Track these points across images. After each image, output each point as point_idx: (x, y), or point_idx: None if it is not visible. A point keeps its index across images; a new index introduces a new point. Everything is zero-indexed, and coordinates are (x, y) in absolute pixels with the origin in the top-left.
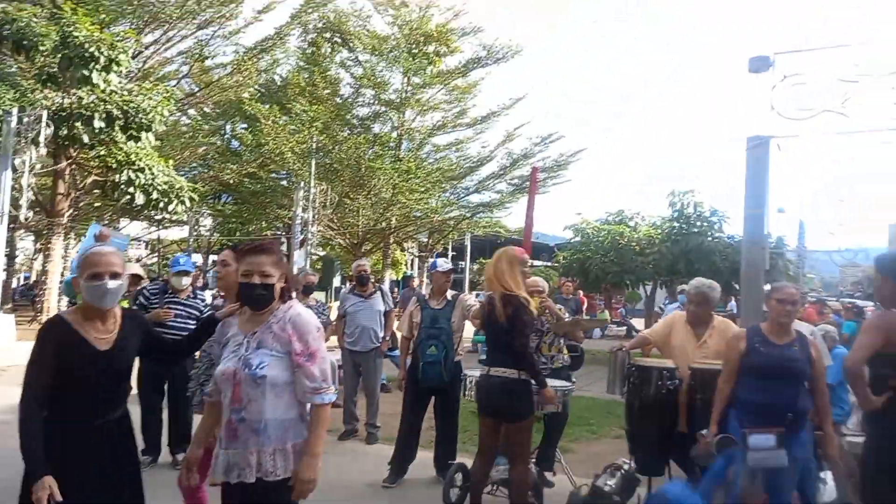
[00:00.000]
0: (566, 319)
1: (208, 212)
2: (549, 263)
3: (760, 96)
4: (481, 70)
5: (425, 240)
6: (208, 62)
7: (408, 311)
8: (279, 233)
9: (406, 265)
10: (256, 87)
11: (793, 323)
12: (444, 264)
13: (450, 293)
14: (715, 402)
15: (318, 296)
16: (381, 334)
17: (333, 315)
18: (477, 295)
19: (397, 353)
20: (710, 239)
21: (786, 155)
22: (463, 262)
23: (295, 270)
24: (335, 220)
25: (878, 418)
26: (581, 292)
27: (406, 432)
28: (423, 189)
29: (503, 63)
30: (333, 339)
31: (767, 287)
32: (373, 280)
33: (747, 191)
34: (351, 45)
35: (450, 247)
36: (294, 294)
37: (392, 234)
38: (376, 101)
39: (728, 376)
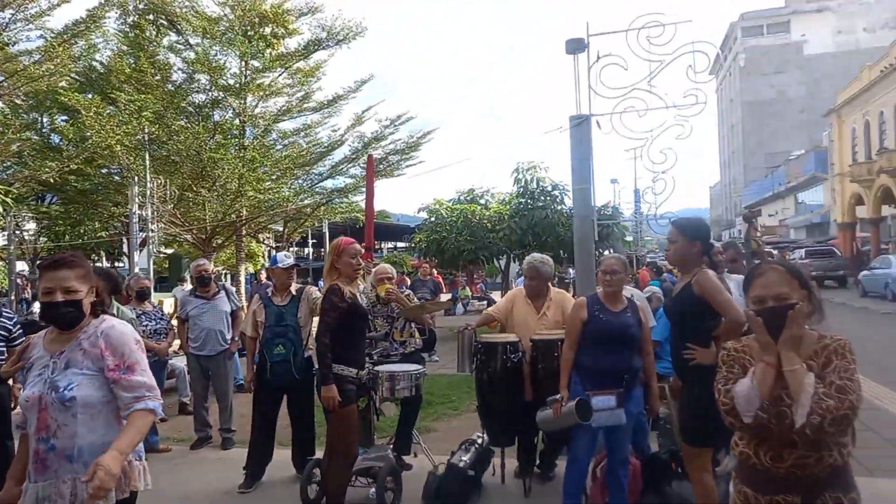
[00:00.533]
0: (413, 304)
1: (30, 215)
2: (405, 245)
3: (580, 76)
4: (323, 52)
5: (281, 230)
6: (13, 48)
7: (250, 310)
8: (117, 233)
9: (264, 257)
10: (73, 75)
11: (623, 290)
12: (284, 259)
13: (294, 287)
14: (561, 368)
15: (168, 297)
16: (228, 336)
17: None
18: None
19: None
20: (553, 212)
21: (609, 130)
22: (323, 250)
23: (137, 271)
24: (178, 216)
25: (694, 367)
26: (435, 272)
27: (258, 434)
28: (272, 177)
29: (346, 45)
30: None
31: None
32: (217, 277)
33: (573, 167)
34: (179, 27)
35: (308, 235)
36: (115, 304)
37: (243, 226)
38: (213, 87)
39: (572, 343)
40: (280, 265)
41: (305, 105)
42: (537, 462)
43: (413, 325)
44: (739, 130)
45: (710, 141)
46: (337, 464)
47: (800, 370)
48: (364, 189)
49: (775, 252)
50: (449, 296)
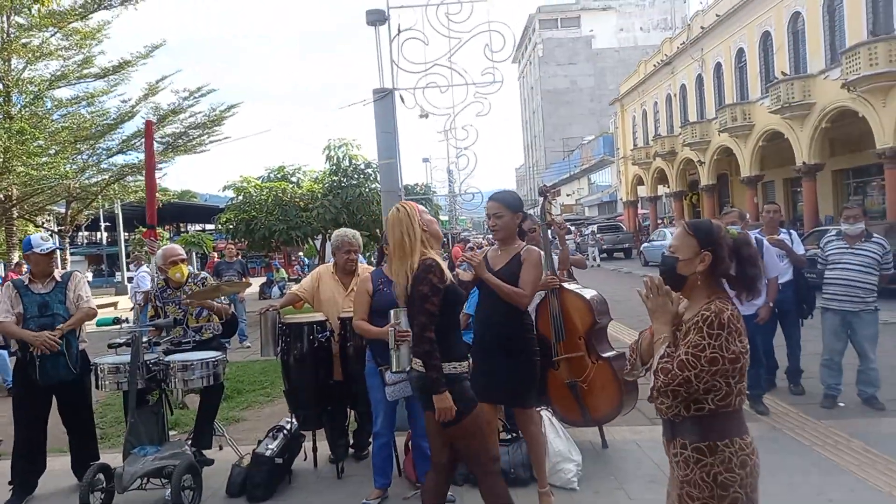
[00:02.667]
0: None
1: None
2: (210, 227)
3: (382, 50)
4: (106, 12)
5: (64, 211)
6: None
7: (4, 297)
8: None
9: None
10: None
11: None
12: (42, 243)
13: (58, 273)
14: (370, 335)
15: None
16: None
17: None
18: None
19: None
20: (367, 189)
21: (413, 105)
22: (116, 233)
23: None
24: None
25: (519, 339)
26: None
27: (25, 441)
28: (49, 152)
29: (133, 5)
30: None
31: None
32: None
33: (378, 142)
34: None
35: (101, 216)
36: None
37: (14, 206)
38: None
39: (359, 315)
40: (37, 250)
41: (86, 71)
42: (350, 442)
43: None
44: (540, 116)
45: (516, 125)
46: (490, 478)
47: (659, 341)
48: (163, 166)
49: (573, 228)
50: (283, 273)
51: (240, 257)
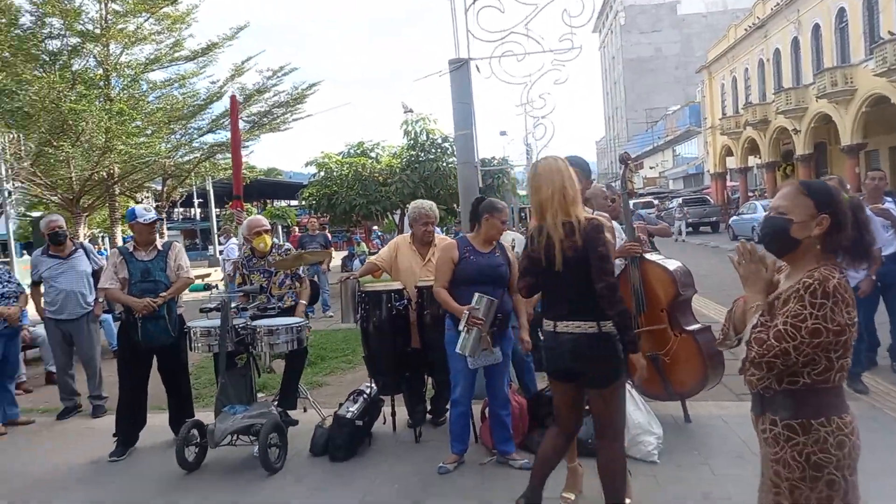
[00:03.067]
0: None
1: None
2: (294, 203)
3: (458, 19)
4: None
5: (160, 188)
6: None
7: (110, 264)
8: None
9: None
10: None
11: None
12: (144, 213)
13: (160, 242)
14: (447, 304)
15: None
16: (90, 298)
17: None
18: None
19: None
20: (444, 164)
21: (489, 74)
22: (208, 209)
23: None
24: (38, 174)
25: None
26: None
27: (128, 398)
28: (145, 132)
29: None
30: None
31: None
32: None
33: (455, 113)
34: None
35: (194, 195)
36: None
37: (115, 184)
38: (68, 32)
39: (441, 283)
40: (140, 220)
41: (177, 54)
42: (428, 408)
43: (294, 279)
44: (621, 87)
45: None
46: (618, 444)
47: (752, 309)
48: (249, 144)
49: (655, 201)
50: (364, 247)
51: (324, 231)
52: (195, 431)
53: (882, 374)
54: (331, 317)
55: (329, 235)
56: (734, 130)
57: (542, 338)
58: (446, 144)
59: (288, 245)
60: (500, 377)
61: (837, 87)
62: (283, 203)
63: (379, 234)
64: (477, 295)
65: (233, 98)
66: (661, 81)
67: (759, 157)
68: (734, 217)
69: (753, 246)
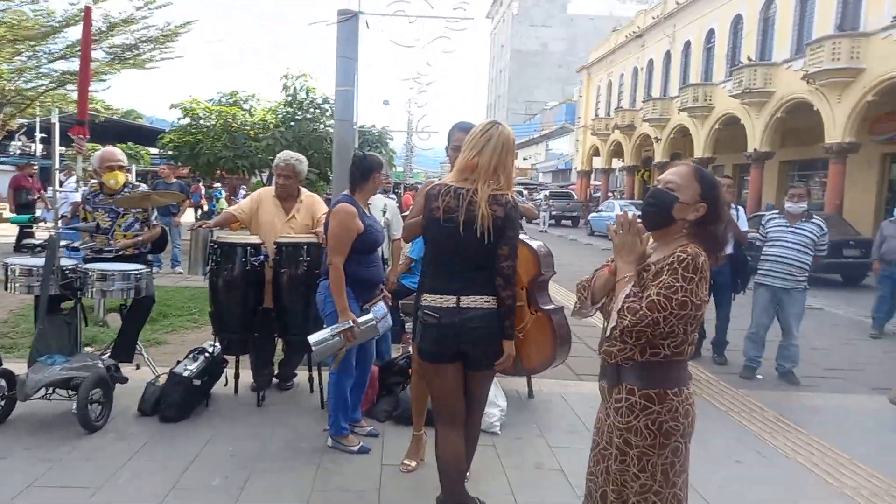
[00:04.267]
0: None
1: None
2: (155, 151)
3: None
4: None
5: None
6: None
7: None
8: None
9: None
10: None
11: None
12: None
13: None
14: (337, 288)
15: None
16: None
17: None
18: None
19: None
20: (321, 126)
21: (379, 31)
22: (51, 145)
23: None
24: None
25: None
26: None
27: None
28: None
29: None
30: None
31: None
32: None
33: (338, 67)
34: None
35: (37, 126)
36: None
37: None
38: None
39: (342, 254)
40: None
41: None
42: (275, 372)
43: (144, 224)
44: (506, 76)
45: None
46: (480, 416)
47: (622, 280)
48: (107, 77)
49: (525, 191)
50: (224, 205)
51: (180, 182)
52: (2, 382)
53: (704, 364)
54: (179, 273)
55: (186, 184)
56: (603, 132)
57: (423, 315)
58: (326, 106)
59: (143, 186)
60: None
61: (698, 103)
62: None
63: (244, 194)
64: (373, 312)
65: (87, 9)
66: (544, 76)
67: (623, 160)
68: (593, 214)
69: (634, 217)
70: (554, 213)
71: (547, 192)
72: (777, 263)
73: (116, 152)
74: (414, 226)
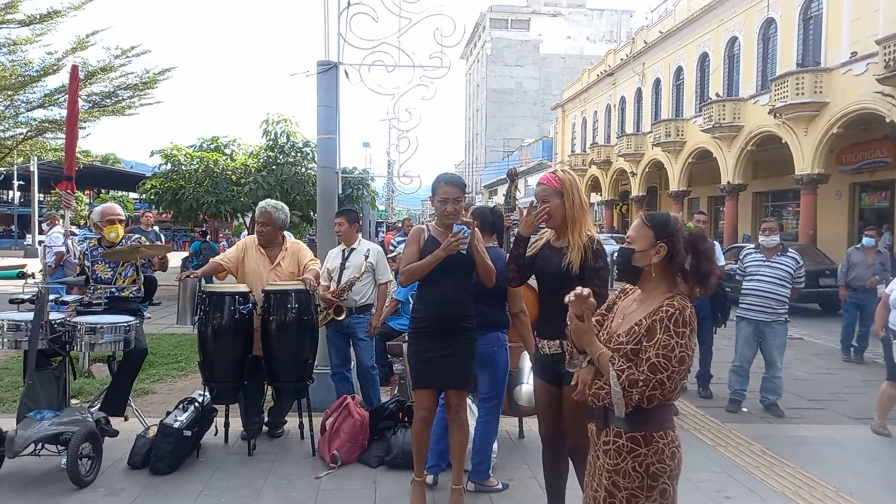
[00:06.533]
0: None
1: None
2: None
3: (330, 22)
4: None
5: None
6: None
7: None
8: None
9: None
10: None
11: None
12: None
13: None
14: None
15: None
16: None
17: None
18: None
19: None
20: (303, 169)
21: (357, 81)
22: (31, 194)
23: None
24: None
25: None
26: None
27: None
28: None
29: None
30: None
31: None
32: None
33: (319, 116)
34: None
35: (14, 175)
36: None
37: None
38: None
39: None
40: None
41: (9, 16)
42: (265, 420)
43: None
44: (483, 115)
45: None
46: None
47: (602, 355)
48: (87, 125)
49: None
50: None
51: (155, 228)
52: None
53: (689, 398)
54: (148, 318)
55: (160, 232)
56: (581, 167)
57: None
58: (307, 149)
59: (137, 236)
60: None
61: (670, 138)
62: (121, 193)
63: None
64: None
65: (74, 68)
66: (520, 114)
67: (601, 195)
68: None
69: (584, 295)
70: None
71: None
72: (757, 297)
73: (116, 207)
74: (417, 271)
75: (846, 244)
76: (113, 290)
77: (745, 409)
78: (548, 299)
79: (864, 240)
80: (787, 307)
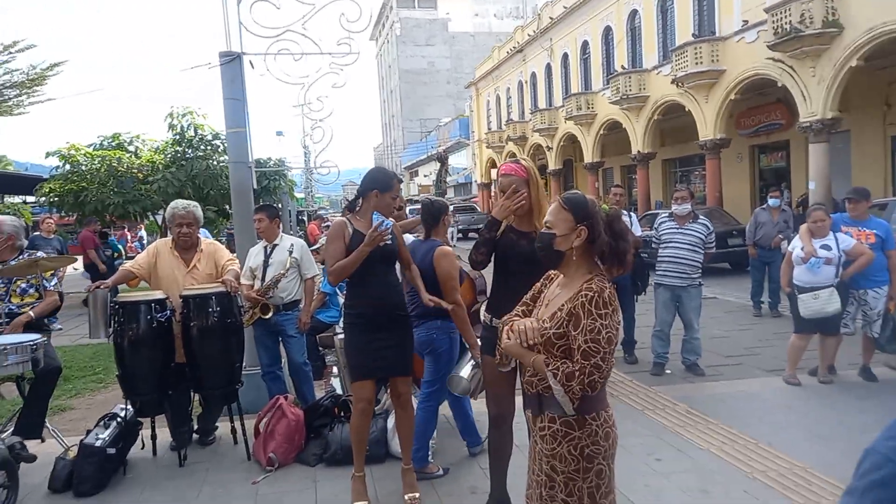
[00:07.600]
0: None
1: None
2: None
3: (231, 11)
4: None
5: None
6: None
7: None
8: None
9: None
10: None
11: None
12: None
13: None
14: (464, 316)
15: None
16: None
17: None
18: None
19: None
20: (215, 162)
21: (263, 71)
22: None
23: None
24: None
25: None
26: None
27: None
28: None
29: None
30: None
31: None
32: None
33: (226, 109)
34: None
35: None
36: None
37: None
38: None
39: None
40: None
41: None
42: (195, 428)
43: (39, 289)
44: (397, 96)
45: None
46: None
47: (536, 360)
48: None
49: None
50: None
51: (59, 237)
52: None
53: (616, 365)
54: (59, 329)
55: (65, 240)
56: (498, 144)
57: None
58: (217, 142)
59: (40, 253)
60: None
61: (581, 111)
62: (16, 199)
63: (143, 242)
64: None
65: None
66: (434, 94)
67: None
68: None
69: (528, 329)
70: (460, 227)
71: (451, 207)
72: (672, 264)
73: (4, 219)
74: (346, 267)
75: (749, 204)
76: (12, 307)
77: (668, 371)
78: (509, 279)
79: (770, 201)
80: (700, 272)
